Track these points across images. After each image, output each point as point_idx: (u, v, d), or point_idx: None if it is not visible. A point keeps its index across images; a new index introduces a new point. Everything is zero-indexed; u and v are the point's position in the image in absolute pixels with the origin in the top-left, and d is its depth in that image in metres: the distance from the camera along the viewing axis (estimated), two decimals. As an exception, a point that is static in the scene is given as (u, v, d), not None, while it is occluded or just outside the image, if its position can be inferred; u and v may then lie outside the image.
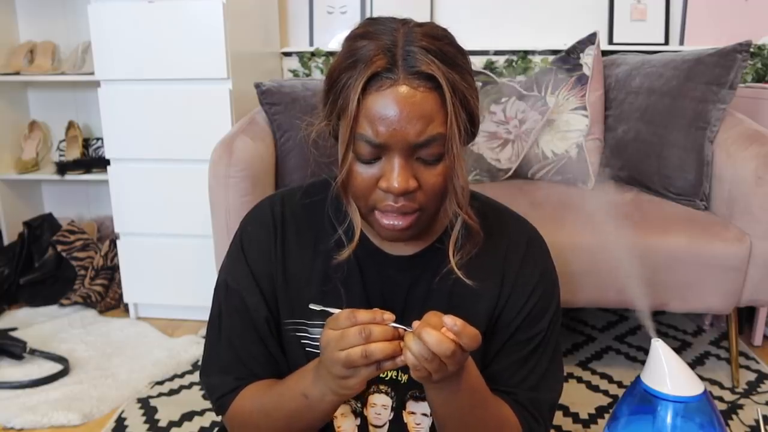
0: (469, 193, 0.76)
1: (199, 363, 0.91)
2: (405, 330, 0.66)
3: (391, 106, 0.67)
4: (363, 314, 0.65)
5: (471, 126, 0.74)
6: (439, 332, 0.63)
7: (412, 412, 0.86)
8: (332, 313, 0.69)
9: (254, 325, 0.85)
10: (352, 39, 0.72)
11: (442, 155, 0.71)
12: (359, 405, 0.87)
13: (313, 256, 0.84)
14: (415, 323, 0.66)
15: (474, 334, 0.64)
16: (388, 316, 0.65)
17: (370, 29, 0.71)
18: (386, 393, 0.86)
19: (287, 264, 0.84)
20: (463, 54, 0.73)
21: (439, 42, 0.70)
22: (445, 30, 0.73)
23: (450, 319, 0.63)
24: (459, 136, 0.70)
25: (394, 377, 0.85)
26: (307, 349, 0.84)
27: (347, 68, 0.69)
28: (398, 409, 0.87)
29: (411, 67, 0.67)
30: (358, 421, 0.87)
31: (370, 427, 0.88)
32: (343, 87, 0.69)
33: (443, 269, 0.80)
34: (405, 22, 0.72)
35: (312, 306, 0.72)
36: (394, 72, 0.67)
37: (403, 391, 0.86)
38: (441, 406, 0.75)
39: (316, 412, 0.76)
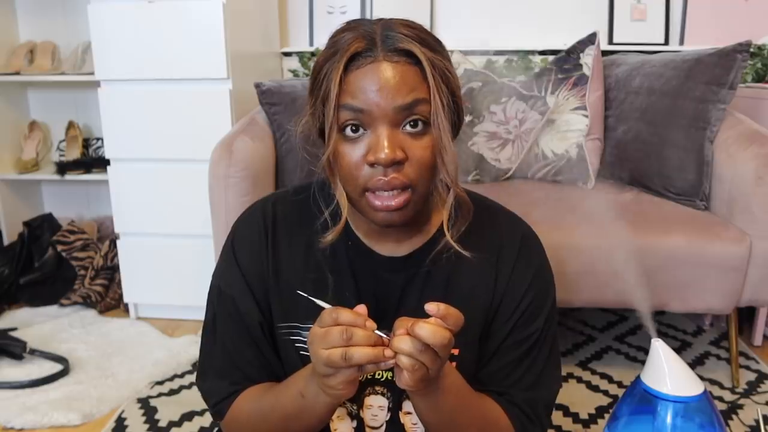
0: (458, 167, 0.76)
1: (198, 356, 0.92)
2: (388, 337, 0.65)
3: (372, 79, 0.69)
4: (345, 314, 0.65)
5: (455, 108, 0.74)
6: (431, 323, 0.63)
7: (409, 412, 0.86)
8: (317, 304, 0.69)
9: (248, 330, 0.84)
10: (333, 35, 0.74)
11: (427, 124, 0.71)
12: (355, 407, 0.87)
13: (305, 258, 0.83)
14: (397, 323, 0.66)
15: (456, 313, 0.65)
16: (370, 323, 0.65)
17: (350, 25, 0.74)
18: (382, 394, 0.86)
19: (279, 267, 0.84)
20: (441, 44, 0.75)
21: (416, 29, 0.72)
22: (421, 25, 0.75)
23: (432, 306, 0.64)
24: (443, 108, 0.70)
25: (390, 378, 0.85)
26: (301, 352, 0.84)
27: (328, 58, 0.71)
28: (395, 409, 0.86)
29: (390, 45, 0.70)
30: (354, 424, 0.87)
31: (367, 429, 0.87)
32: (326, 75, 0.71)
33: (436, 250, 0.80)
34: (383, 18, 0.74)
35: (299, 292, 0.72)
36: (373, 51, 0.70)
37: (399, 391, 0.85)
38: (428, 413, 0.75)
39: (312, 412, 0.76)
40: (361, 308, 0.67)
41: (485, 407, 0.82)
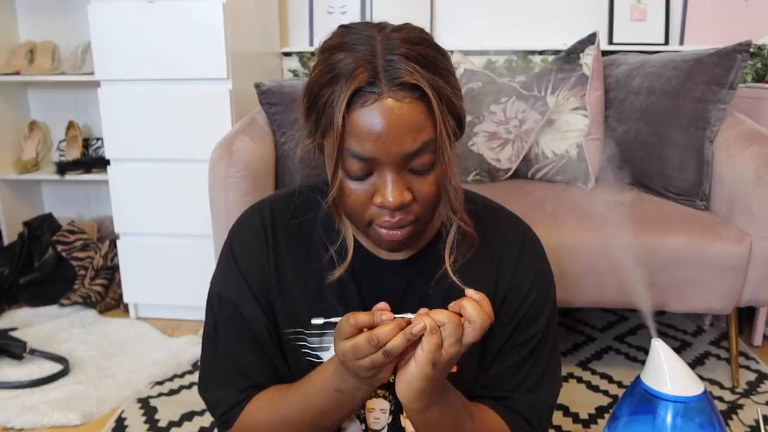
0: (463, 197, 0.76)
1: (199, 364, 0.91)
2: (410, 317, 0.66)
3: (377, 121, 0.65)
4: (362, 317, 0.66)
5: (458, 128, 0.73)
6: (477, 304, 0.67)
7: None
8: (335, 323, 0.69)
9: (253, 335, 0.83)
10: (328, 51, 0.69)
11: (433, 163, 0.69)
12: (362, 411, 0.87)
13: (306, 265, 0.83)
14: (422, 310, 0.67)
15: (491, 308, 0.68)
16: (387, 316, 0.66)
17: (345, 39, 0.69)
18: (384, 397, 0.86)
19: (281, 273, 0.83)
20: (443, 54, 0.71)
21: (418, 47, 0.68)
22: (422, 31, 0.71)
23: (472, 291, 0.67)
24: (449, 142, 0.69)
25: (391, 380, 0.85)
26: (307, 358, 0.84)
27: (328, 84, 0.67)
28: (396, 413, 0.86)
29: (394, 78, 0.65)
30: (363, 427, 0.87)
31: None
32: (326, 104, 0.67)
33: (438, 273, 0.80)
34: (381, 28, 0.70)
35: (314, 321, 0.72)
36: (377, 85, 0.65)
37: None
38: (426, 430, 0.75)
39: (351, 403, 0.76)
40: (381, 304, 0.68)
41: (486, 423, 0.81)
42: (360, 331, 0.66)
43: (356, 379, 0.70)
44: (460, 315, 0.67)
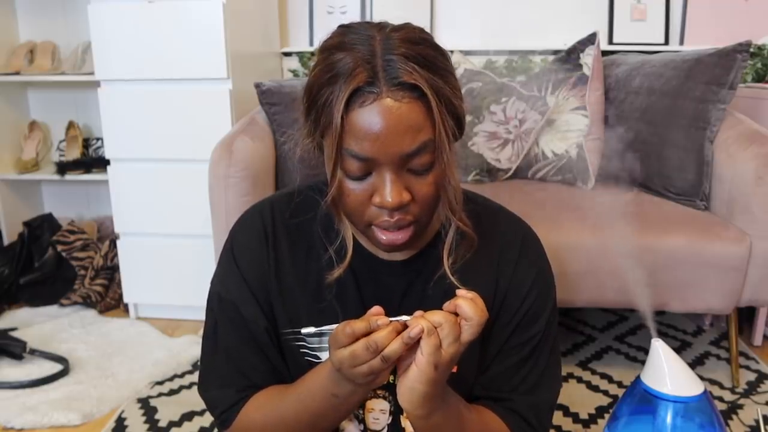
0: (462, 198, 0.76)
1: (199, 364, 0.91)
2: (405, 320, 0.66)
3: (376, 121, 0.65)
4: (359, 325, 0.65)
5: (458, 129, 0.73)
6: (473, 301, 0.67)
7: None
8: (328, 332, 0.69)
9: (252, 336, 0.83)
10: (328, 51, 0.70)
11: (432, 163, 0.69)
12: (360, 412, 0.87)
13: (306, 265, 0.83)
14: (418, 312, 0.67)
15: (484, 304, 0.68)
16: (383, 320, 0.65)
17: (345, 39, 0.69)
18: (384, 397, 0.86)
19: (281, 273, 0.83)
20: (443, 54, 0.71)
21: (418, 47, 0.68)
22: (422, 31, 0.71)
23: (463, 291, 0.67)
24: (448, 142, 0.69)
25: (391, 381, 0.84)
26: (306, 358, 0.84)
27: (327, 83, 0.67)
28: (396, 413, 0.86)
29: (393, 78, 0.65)
30: (362, 427, 0.87)
31: None
32: (325, 104, 0.68)
33: (437, 274, 0.80)
34: (381, 28, 0.70)
35: (304, 330, 0.72)
36: (376, 85, 0.65)
37: None
38: None
39: (347, 406, 0.76)
40: (375, 309, 0.68)
41: (486, 425, 0.81)
42: (356, 339, 0.65)
43: (352, 385, 0.70)
44: (456, 314, 0.67)
